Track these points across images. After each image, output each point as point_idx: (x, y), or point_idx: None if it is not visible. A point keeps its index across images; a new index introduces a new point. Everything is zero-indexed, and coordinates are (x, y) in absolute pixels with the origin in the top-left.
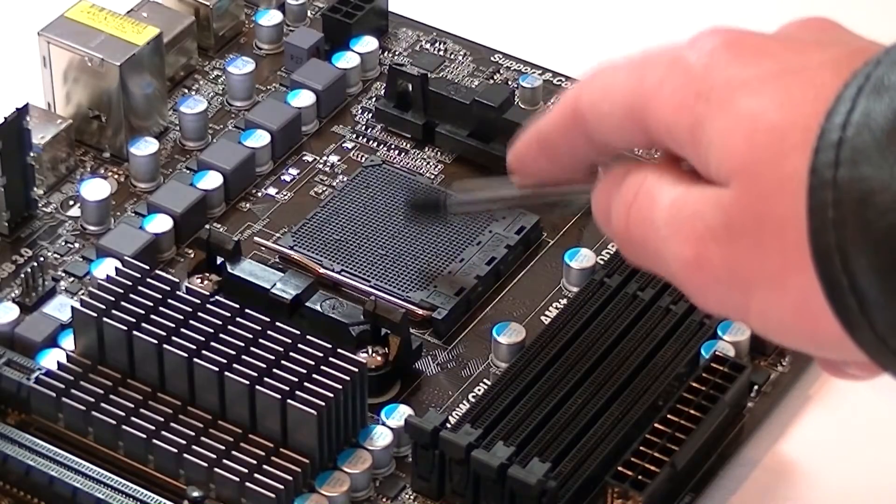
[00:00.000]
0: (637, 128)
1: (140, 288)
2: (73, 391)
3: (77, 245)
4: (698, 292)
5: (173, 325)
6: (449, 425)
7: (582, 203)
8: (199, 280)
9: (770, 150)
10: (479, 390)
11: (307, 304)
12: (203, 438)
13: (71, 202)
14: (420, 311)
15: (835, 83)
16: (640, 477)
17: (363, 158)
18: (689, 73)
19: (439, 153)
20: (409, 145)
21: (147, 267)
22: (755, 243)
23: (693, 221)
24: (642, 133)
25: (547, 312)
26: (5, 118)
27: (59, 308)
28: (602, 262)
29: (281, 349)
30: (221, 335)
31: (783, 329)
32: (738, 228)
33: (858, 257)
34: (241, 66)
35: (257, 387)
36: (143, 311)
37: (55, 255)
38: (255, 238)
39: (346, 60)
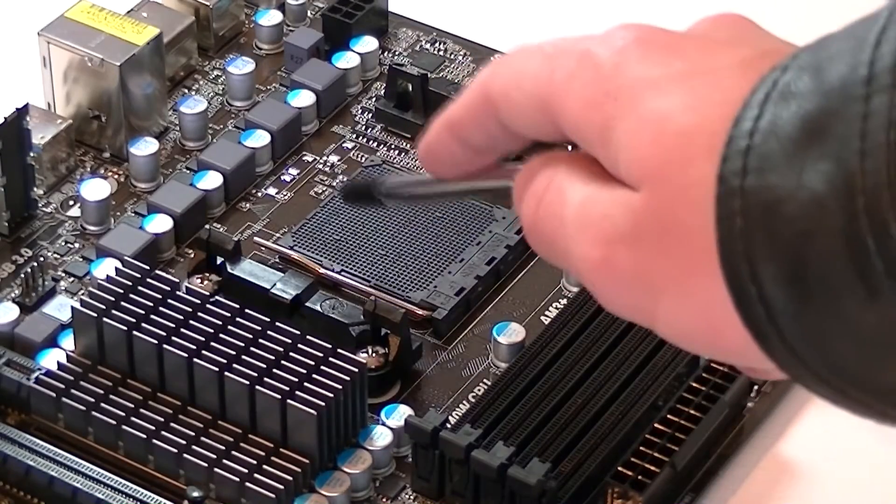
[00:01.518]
0: (547, 120)
1: (140, 288)
2: (73, 391)
3: (77, 245)
4: (605, 295)
5: (173, 326)
6: (449, 425)
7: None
8: (199, 280)
9: (677, 155)
10: (479, 390)
11: (307, 304)
12: (203, 438)
13: (71, 202)
14: (420, 311)
15: (742, 86)
16: (640, 477)
17: (363, 158)
18: (598, 69)
19: None
20: (409, 145)
21: (147, 267)
22: (663, 248)
23: (602, 223)
24: (553, 126)
25: (547, 312)
26: (5, 118)
27: (59, 308)
28: None
29: (281, 349)
30: (221, 335)
31: (689, 336)
32: (646, 232)
33: (766, 266)
34: (241, 66)
35: (257, 387)
36: (143, 312)
37: (55, 255)
38: (255, 238)
39: (346, 60)
